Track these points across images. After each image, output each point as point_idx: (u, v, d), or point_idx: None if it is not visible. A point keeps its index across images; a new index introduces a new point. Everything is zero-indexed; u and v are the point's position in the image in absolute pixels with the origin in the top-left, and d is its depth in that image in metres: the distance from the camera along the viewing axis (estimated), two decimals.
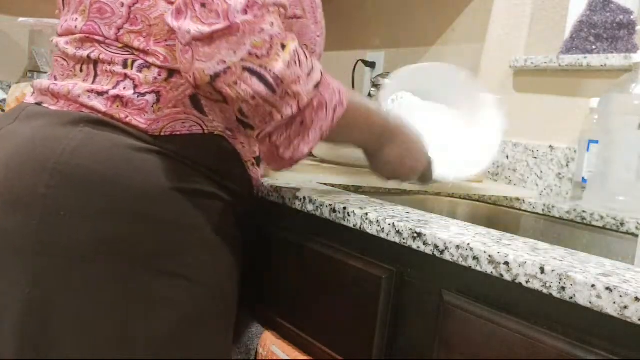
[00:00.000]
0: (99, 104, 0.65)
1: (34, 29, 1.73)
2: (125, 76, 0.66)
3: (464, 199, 1.12)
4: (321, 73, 0.65)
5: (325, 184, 0.89)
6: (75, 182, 0.61)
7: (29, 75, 1.84)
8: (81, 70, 0.69)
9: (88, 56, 0.68)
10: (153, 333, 0.64)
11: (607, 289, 0.42)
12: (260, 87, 0.59)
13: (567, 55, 1.18)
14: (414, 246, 0.58)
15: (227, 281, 0.72)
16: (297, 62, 0.61)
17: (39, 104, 0.70)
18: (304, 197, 0.73)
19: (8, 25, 1.79)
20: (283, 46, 0.60)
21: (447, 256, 0.55)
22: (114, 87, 0.66)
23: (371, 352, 0.64)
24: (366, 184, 0.95)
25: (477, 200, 1.11)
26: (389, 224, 0.61)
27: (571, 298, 0.45)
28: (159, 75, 0.66)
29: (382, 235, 0.62)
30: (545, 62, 1.22)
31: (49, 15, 1.65)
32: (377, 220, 0.62)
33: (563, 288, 0.45)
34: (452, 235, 0.56)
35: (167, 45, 0.66)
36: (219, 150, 0.69)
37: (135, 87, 0.65)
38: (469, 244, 0.53)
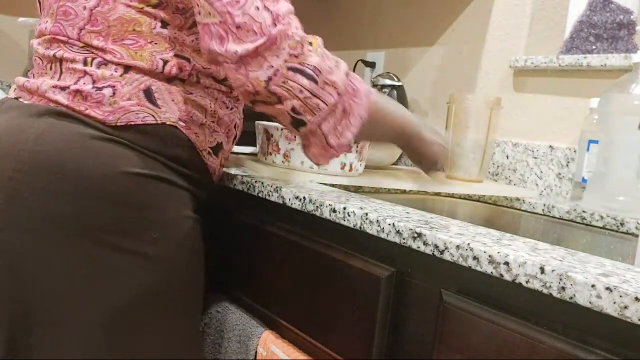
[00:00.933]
0: (62, 97, 0.72)
1: (33, 29, 1.73)
2: (85, 73, 0.73)
3: (464, 199, 1.12)
4: (343, 63, 0.74)
5: (325, 184, 0.89)
6: (37, 166, 0.68)
7: (28, 75, 1.84)
8: (50, 69, 0.76)
9: (54, 55, 0.75)
10: (112, 304, 0.70)
11: (607, 289, 0.42)
12: (304, 81, 0.69)
13: (567, 55, 1.18)
14: (414, 246, 0.58)
15: (187, 261, 0.77)
16: (326, 55, 0.72)
17: (17, 98, 0.77)
18: (304, 197, 0.73)
19: (8, 25, 1.79)
20: (310, 43, 0.70)
21: (447, 256, 0.55)
22: (75, 83, 0.73)
23: (371, 352, 0.64)
24: (366, 184, 0.95)
25: (477, 200, 1.11)
26: (389, 224, 0.61)
27: (571, 298, 0.45)
28: (115, 71, 0.73)
29: (382, 235, 0.62)
30: (545, 62, 1.22)
31: None
32: (377, 220, 0.62)
33: (563, 288, 0.45)
34: (452, 235, 0.56)
35: (123, 44, 0.73)
36: (172, 139, 0.75)
37: (94, 82, 0.72)
38: (469, 244, 0.53)
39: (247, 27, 0.66)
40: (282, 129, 0.93)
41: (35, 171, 0.68)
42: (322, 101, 0.71)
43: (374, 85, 1.53)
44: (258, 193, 0.82)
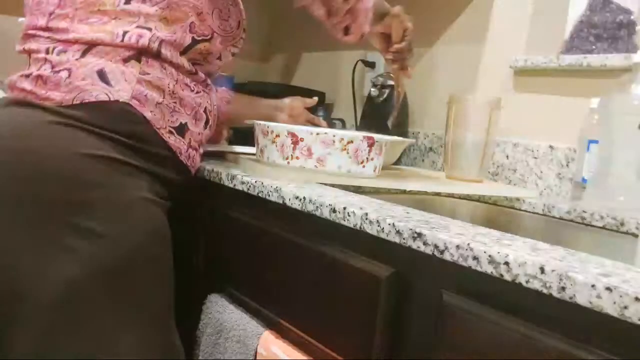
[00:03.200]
0: (27, 84, 0.79)
1: None
2: (46, 60, 0.79)
3: (464, 199, 1.12)
4: None
5: (325, 184, 0.89)
6: None
7: None
8: (26, 62, 0.84)
9: (24, 49, 0.84)
10: (66, 281, 0.71)
11: (607, 289, 0.42)
12: None
13: (567, 55, 1.18)
14: (414, 246, 0.58)
15: (143, 243, 0.78)
16: None
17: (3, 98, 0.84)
18: (304, 197, 0.73)
19: (8, 25, 1.79)
20: None
21: (447, 256, 0.55)
22: (37, 70, 0.79)
23: (371, 352, 0.64)
24: (366, 184, 0.95)
25: (477, 200, 1.11)
26: (389, 224, 0.61)
27: (571, 298, 0.45)
28: (72, 56, 0.79)
29: (382, 235, 0.62)
30: (545, 62, 1.22)
31: None
32: (377, 220, 0.62)
33: (563, 288, 0.45)
34: (452, 235, 0.56)
35: (87, 22, 0.79)
36: (126, 115, 0.79)
37: (53, 67, 0.78)
38: (469, 244, 0.53)
39: None
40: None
41: None
42: None
43: (374, 86, 1.52)
44: (258, 193, 0.82)
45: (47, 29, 0.81)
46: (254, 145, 1.06)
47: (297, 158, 0.92)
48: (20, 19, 1.70)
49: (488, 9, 1.38)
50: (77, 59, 0.78)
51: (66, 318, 0.72)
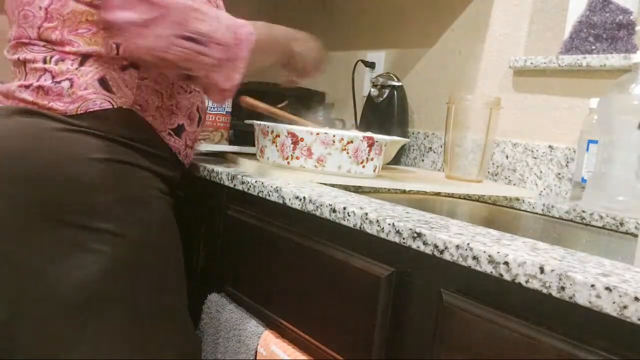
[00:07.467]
0: (27, 95, 0.79)
1: None
2: (45, 70, 0.80)
3: (464, 199, 1.12)
4: (227, 17, 0.80)
5: (325, 184, 0.89)
6: (7, 159, 0.75)
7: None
8: (19, 72, 0.83)
9: (18, 58, 0.83)
10: (83, 279, 0.74)
11: (607, 288, 0.43)
12: (192, 45, 0.74)
13: (566, 56, 1.18)
14: (414, 246, 0.58)
15: (157, 235, 0.82)
16: (214, 17, 0.77)
17: None
18: (304, 197, 0.73)
19: (8, 25, 1.79)
20: (194, 9, 0.75)
21: (446, 256, 0.55)
22: (37, 80, 0.80)
23: (371, 351, 0.64)
24: (365, 184, 0.95)
25: (477, 200, 1.11)
26: (389, 224, 0.61)
27: (571, 298, 0.45)
28: (72, 65, 0.80)
29: (382, 235, 0.62)
30: (545, 62, 1.22)
31: None
32: (377, 220, 0.63)
33: (562, 288, 0.45)
34: (451, 235, 0.56)
35: (78, 33, 0.80)
36: (129, 121, 0.82)
37: (53, 77, 0.79)
38: (468, 244, 0.53)
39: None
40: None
41: (7, 163, 0.75)
42: (209, 57, 0.77)
43: (374, 86, 1.52)
44: (258, 193, 0.82)
45: (40, 39, 0.81)
46: (254, 145, 1.06)
47: (297, 158, 0.93)
48: None
49: (488, 9, 1.38)
50: (76, 68, 0.79)
51: (90, 317, 0.74)
